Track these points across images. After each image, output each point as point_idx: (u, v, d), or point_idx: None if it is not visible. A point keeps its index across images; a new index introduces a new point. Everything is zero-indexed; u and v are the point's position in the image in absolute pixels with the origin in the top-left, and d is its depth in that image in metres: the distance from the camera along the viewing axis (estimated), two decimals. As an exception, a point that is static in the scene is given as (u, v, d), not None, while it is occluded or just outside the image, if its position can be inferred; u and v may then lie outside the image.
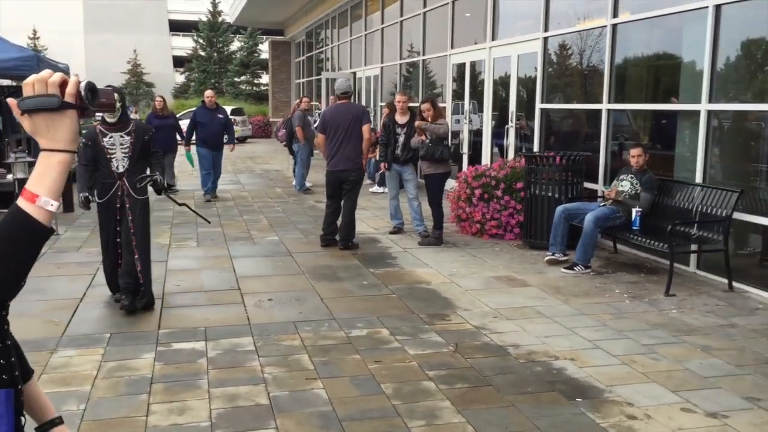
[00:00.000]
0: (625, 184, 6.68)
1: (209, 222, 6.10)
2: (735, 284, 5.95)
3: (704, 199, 6.22)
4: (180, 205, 4.73)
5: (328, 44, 22.40)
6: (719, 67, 6.32)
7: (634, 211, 6.43)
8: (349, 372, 4.15)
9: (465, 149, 11.73)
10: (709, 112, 6.37)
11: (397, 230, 8.51)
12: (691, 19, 6.65)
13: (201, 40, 43.98)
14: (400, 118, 8.25)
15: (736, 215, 5.90)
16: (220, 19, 43.18)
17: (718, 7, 6.20)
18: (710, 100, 6.33)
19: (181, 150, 12.23)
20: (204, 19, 44.09)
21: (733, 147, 6.58)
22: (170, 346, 4.59)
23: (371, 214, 9.74)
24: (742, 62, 6.34)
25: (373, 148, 11.71)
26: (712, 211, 6.06)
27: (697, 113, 6.49)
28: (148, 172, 5.35)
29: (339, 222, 7.73)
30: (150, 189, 5.32)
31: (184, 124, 11.95)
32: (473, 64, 11.54)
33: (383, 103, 14.12)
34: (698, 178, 6.47)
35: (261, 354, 4.45)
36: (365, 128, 7.63)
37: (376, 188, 12.27)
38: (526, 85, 9.82)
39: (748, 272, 6.06)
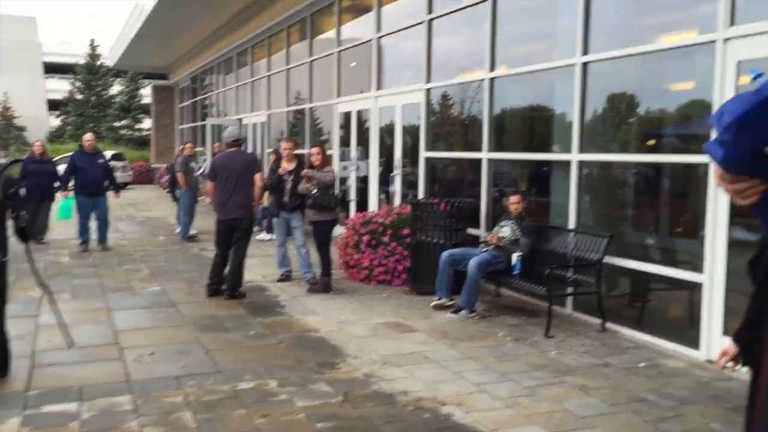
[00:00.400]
0: (506, 230, 6.96)
1: (72, 344, 5.32)
2: (608, 325, 6.28)
3: (578, 243, 6.57)
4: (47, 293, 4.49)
5: (213, 90, 22.17)
6: (588, 119, 6.77)
7: (514, 256, 6.70)
8: (234, 428, 4.02)
9: (352, 196, 11.84)
10: (580, 162, 6.78)
11: (285, 278, 8.42)
12: (562, 75, 7.10)
13: (78, 83, 42.38)
14: (287, 165, 8.24)
15: (607, 259, 6.26)
16: (98, 62, 41.85)
17: (585, 65, 6.67)
18: (580, 151, 6.74)
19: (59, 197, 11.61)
20: (82, 61, 42.59)
21: (602, 194, 7.02)
22: (39, 409, 4.27)
23: (259, 262, 9.60)
24: (608, 114, 6.82)
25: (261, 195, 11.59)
26: (585, 255, 6.40)
27: (568, 163, 6.89)
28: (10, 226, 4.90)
29: (226, 271, 7.55)
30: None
31: (61, 169, 11.38)
32: (360, 113, 11.76)
33: (270, 150, 14.10)
34: (571, 224, 6.84)
35: (140, 413, 4.22)
36: (257, 176, 7.58)
37: (263, 235, 12.12)
38: (412, 133, 10.09)
39: (618, 313, 6.41)
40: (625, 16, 6.60)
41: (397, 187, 10.33)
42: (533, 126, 8.09)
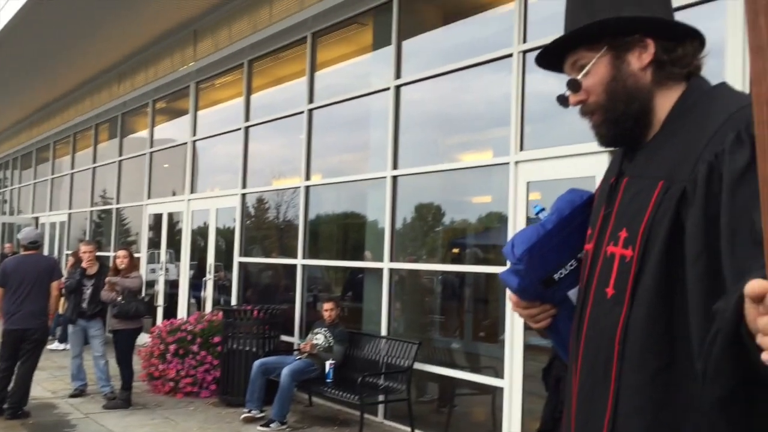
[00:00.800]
0: (320, 337, 6.92)
1: None
2: None
3: (389, 350, 6.69)
4: None
5: (7, 185, 20.51)
6: (399, 228, 7.08)
7: (327, 363, 6.65)
8: None
9: (160, 301, 11.26)
10: (391, 270, 7.01)
11: (79, 392, 7.66)
12: (374, 186, 7.42)
13: None
14: (88, 269, 7.69)
15: (417, 365, 6.41)
16: None
17: (395, 178, 7.03)
18: (391, 259, 6.99)
19: None
20: None
21: (412, 301, 7.27)
22: None
23: (49, 375, 8.68)
24: (417, 224, 7.18)
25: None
26: (396, 362, 6.52)
27: (380, 270, 7.10)
28: None
29: (10, 387, 6.73)
30: None
31: None
32: (171, 215, 11.40)
33: (69, 252, 13.15)
34: (383, 331, 6.97)
35: None
36: (54, 285, 6.99)
37: (56, 345, 11.03)
38: (226, 237, 9.92)
39: (427, 419, 6.52)
40: (432, 134, 7.11)
41: (209, 292, 9.99)
42: (348, 233, 8.30)
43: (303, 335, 7.85)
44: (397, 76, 7.03)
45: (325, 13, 7.73)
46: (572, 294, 1.51)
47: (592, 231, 1.45)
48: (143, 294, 7.88)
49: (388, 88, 7.10)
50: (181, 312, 10.43)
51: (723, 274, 1.09)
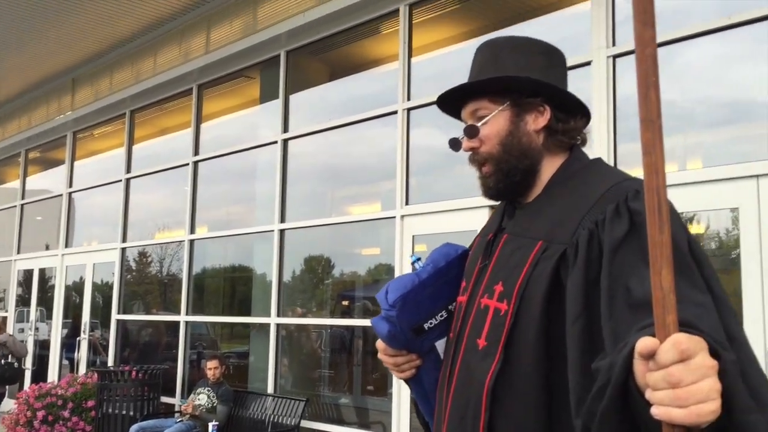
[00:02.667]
0: (203, 397, 6.65)
1: None
2: (306, 491, 6.17)
3: (276, 408, 6.51)
4: None
5: None
6: (287, 281, 6.98)
7: (210, 425, 6.37)
8: None
9: (29, 364, 10.47)
10: (278, 325, 6.89)
11: (-69, 469, 6.96)
12: (262, 238, 7.32)
13: None
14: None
15: (304, 423, 6.26)
16: None
17: (282, 231, 6.97)
18: (278, 314, 6.87)
19: None
20: None
21: (300, 356, 7.14)
22: None
23: None
24: (306, 276, 7.12)
25: None
26: (283, 420, 6.34)
27: (267, 325, 6.96)
28: None
29: None
30: None
31: None
32: (43, 271, 10.74)
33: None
34: (270, 389, 6.79)
35: None
36: None
37: None
38: (104, 293, 9.44)
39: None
40: (320, 187, 7.13)
41: (83, 353, 9.41)
42: (234, 287, 8.10)
43: (185, 395, 7.51)
44: (285, 129, 7.04)
45: (211, 65, 7.67)
46: (440, 345, 1.53)
47: (467, 284, 1.49)
48: (8, 357, 7.30)
49: (275, 141, 7.09)
50: (52, 375, 9.75)
51: (600, 335, 1.14)
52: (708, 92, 4.39)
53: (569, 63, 4.58)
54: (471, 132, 1.45)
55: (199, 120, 8.22)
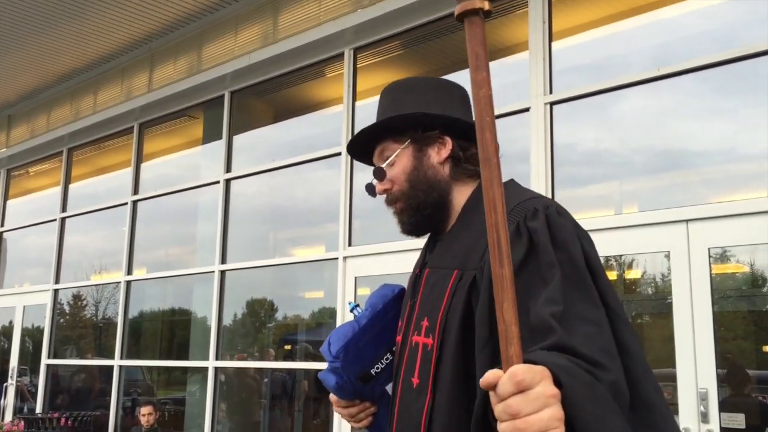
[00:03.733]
0: (136, 445, 6.41)
1: None
2: None
3: (213, 455, 6.31)
4: None
5: None
6: (228, 324, 6.84)
7: (144, 474, 6.13)
8: None
9: (-51, 412, 9.92)
10: (216, 369, 6.72)
11: None
12: (201, 280, 7.18)
13: None
14: None
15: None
16: None
17: (222, 272, 6.85)
18: (217, 357, 6.70)
19: None
20: None
21: (239, 402, 6.97)
22: None
23: None
24: (248, 320, 6.99)
25: None
26: (221, 467, 6.15)
27: (205, 369, 6.78)
28: None
29: None
30: None
31: None
32: (-31, 313, 10.26)
33: None
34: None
35: None
36: None
37: None
38: (34, 338, 9.06)
39: None
40: (263, 229, 7.07)
41: (9, 399, 8.97)
42: (173, 331, 7.89)
43: (118, 443, 7.22)
44: (228, 169, 6.99)
45: (154, 104, 7.59)
46: (390, 388, 1.53)
47: (402, 323, 1.50)
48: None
49: (218, 182, 7.02)
50: (-25, 423, 9.25)
51: None
52: (644, 141, 4.57)
53: (509, 109, 4.72)
54: (379, 174, 1.51)
55: (139, 159, 8.08)
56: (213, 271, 6.89)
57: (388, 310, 1.56)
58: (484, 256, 1.28)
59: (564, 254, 1.20)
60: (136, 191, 8.01)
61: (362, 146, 1.58)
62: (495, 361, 1.17)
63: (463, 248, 1.38)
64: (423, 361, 1.35)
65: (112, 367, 7.74)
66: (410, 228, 1.50)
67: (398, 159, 1.49)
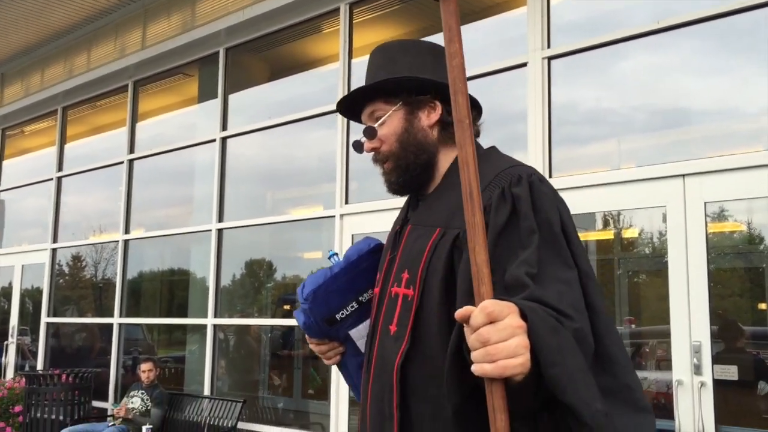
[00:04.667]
0: (136, 401, 6.48)
1: None
2: (243, 495, 6.08)
3: (212, 410, 6.39)
4: None
5: None
6: (227, 285, 6.87)
7: (144, 428, 6.19)
8: None
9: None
10: (215, 326, 6.77)
11: None
12: (198, 239, 7.19)
13: None
14: None
15: (241, 425, 6.17)
16: None
17: (220, 231, 6.86)
18: (216, 314, 6.75)
19: None
20: None
21: (239, 358, 7.04)
22: None
23: None
24: (247, 280, 7.01)
25: None
26: (220, 422, 6.23)
27: (204, 326, 6.83)
28: None
29: None
30: None
31: None
32: (-31, 273, 10.31)
33: None
34: (206, 390, 6.67)
35: None
36: None
37: None
38: (33, 296, 9.11)
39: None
40: (260, 188, 7.04)
41: (10, 357, 9.06)
42: (171, 289, 7.93)
43: (118, 399, 7.31)
44: (224, 128, 6.94)
45: (148, 61, 7.51)
46: (354, 333, 1.65)
47: (380, 275, 1.58)
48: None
49: (214, 140, 6.98)
50: (-23, 381, 9.36)
51: None
52: (644, 99, 4.53)
53: (507, 64, 4.65)
54: (370, 133, 1.55)
55: (134, 117, 8.02)
56: (210, 230, 6.89)
57: (361, 262, 1.65)
58: None
59: (543, 220, 1.29)
60: (132, 150, 7.97)
61: (351, 104, 1.62)
62: None
63: (447, 208, 1.44)
64: (402, 311, 1.42)
65: (111, 325, 7.80)
66: (397, 188, 1.57)
67: (389, 120, 1.54)
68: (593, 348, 1.18)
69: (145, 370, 6.57)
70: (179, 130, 7.84)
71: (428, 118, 1.53)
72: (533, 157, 4.61)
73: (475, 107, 1.58)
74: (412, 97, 1.53)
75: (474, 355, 1.01)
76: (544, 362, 1.02)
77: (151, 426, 6.25)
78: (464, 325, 1.04)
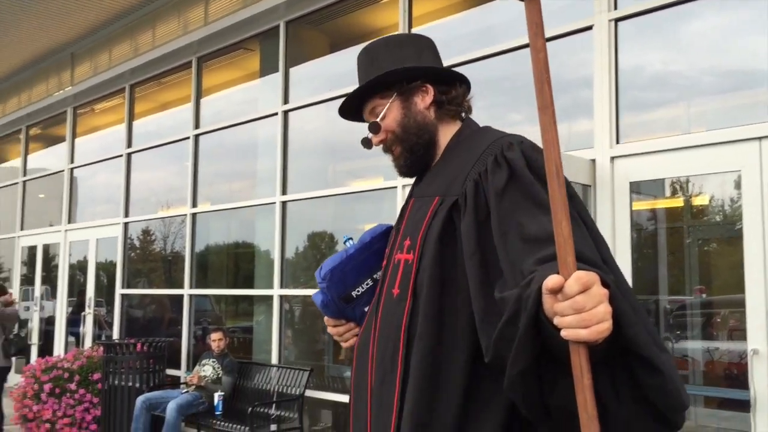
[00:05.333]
0: (207, 369, 6.70)
1: None
2: (312, 460, 6.24)
3: (280, 379, 6.56)
4: None
5: None
6: (290, 257, 6.99)
7: (216, 395, 6.44)
8: None
9: (34, 339, 10.55)
10: (281, 297, 6.91)
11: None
12: (263, 212, 7.32)
13: None
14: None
15: (309, 393, 6.32)
16: None
17: (284, 203, 6.97)
18: (281, 286, 6.89)
19: None
20: None
21: (303, 328, 7.18)
22: None
23: None
24: (309, 252, 7.12)
25: None
26: (288, 390, 6.40)
27: (270, 297, 6.99)
28: None
29: None
30: None
31: None
32: (47, 247, 10.77)
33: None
34: (274, 359, 6.84)
35: None
36: None
37: None
38: (107, 269, 9.48)
39: (322, 446, 6.43)
40: (322, 161, 7.11)
41: (88, 327, 9.47)
42: (237, 261, 8.12)
43: (190, 368, 7.57)
44: (285, 101, 7.01)
45: (210, 37, 7.62)
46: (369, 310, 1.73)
47: (387, 249, 1.69)
48: (13, 332, 7.33)
49: (276, 114, 7.06)
50: (58, 349, 9.83)
51: (495, 266, 1.36)
52: (713, 61, 4.36)
53: (570, 28, 4.55)
54: (374, 128, 1.68)
55: (199, 93, 8.18)
56: (274, 202, 7.01)
57: (374, 243, 1.76)
58: (465, 184, 1.47)
59: (539, 179, 1.37)
60: (197, 125, 8.14)
61: (352, 108, 1.75)
62: (483, 268, 1.38)
63: (445, 180, 1.55)
64: (404, 274, 1.54)
65: (182, 297, 8.06)
66: (406, 170, 1.69)
67: (389, 112, 1.66)
68: None
69: (215, 340, 6.78)
70: (242, 104, 7.96)
71: (423, 101, 1.66)
72: (599, 124, 4.51)
73: (464, 82, 1.70)
74: (404, 86, 1.65)
75: (566, 321, 1.08)
76: (625, 323, 1.11)
77: (222, 393, 6.47)
78: (547, 293, 1.11)
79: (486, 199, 1.42)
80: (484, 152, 1.49)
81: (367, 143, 1.71)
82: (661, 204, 4.72)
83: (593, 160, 4.46)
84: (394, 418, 1.47)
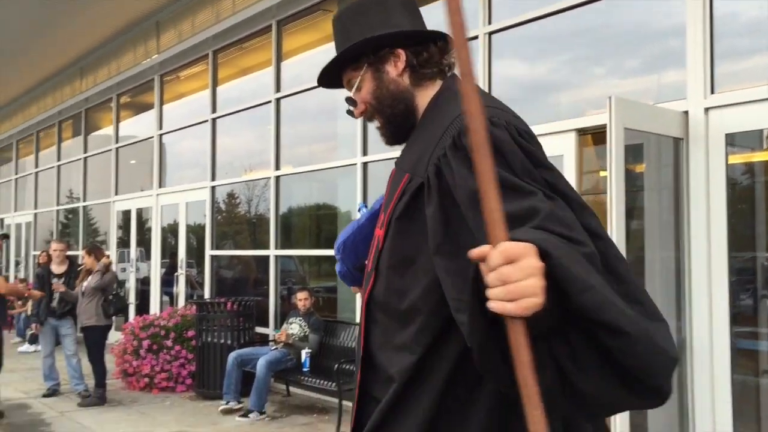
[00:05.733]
0: (294, 327, 6.91)
1: None
2: (397, 415, 6.36)
3: (365, 336, 6.68)
4: None
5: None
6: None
7: (303, 352, 6.64)
8: None
9: (132, 299, 11.13)
10: (364, 257, 7.00)
11: (53, 392, 7.56)
12: (344, 174, 7.40)
13: None
14: (57, 268, 7.57)
15: (393, 350, 6.42)
16: None
17: (365, 164, 7.02)
18: (364, 246, 6.97)
19: None
20: None
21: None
22: None
23: (20, 377, 8.54)
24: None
25: (23, 302, 10.57)
26: (373, 347, 6.52)
27: (354, 258, 7.09)
28: None
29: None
30: None
31: None
32: (140, 211, 11.26)
33: (37, 252, 12.97)
34: (358, 318, 6.95)
35: None
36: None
37: (26, 347, 10.86)
38: (196, 232, 9.84)
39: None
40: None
41: (181, 287, 9.90)
42: (320, 223, 8.27)
43: (278, 326, 7.82)
44: (364, 62, 6.99)
45: (289, 0, 7.66)
46: None
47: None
48: (112, 292, 7.74)
49: (355, 75, 7.06)
50: (154, 308, 10.33)
51: (463, 250, 1.23)
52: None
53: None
54: (351, 102, 1.67)
55: (279, 57, 8.27)
56: (355, 164, 7.07)
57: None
58: (428, 167, 1.41)
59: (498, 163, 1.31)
60: (278, 89, 8.25)
61: (331, 80, 1.72)
62: (454, 257, 1.32)
63: (415, 153, 1.50)
64: (375, 250, 1.55)
65: (268, 257, 8.29)
66: (390, 140, 1.66)
67: (363, 83, 1.62)
68: (602, 270, 1.20)
69: (301, 299, 6.97)
70: (321, 66, 7.97)
71: (395, 67, 1.59)
72: (693, 75, 4.30)
73: (440, 39, 1.62)
74: (372, 57, 1.60)
75: (494, 292, 1.04)
76: (573, 290, 1.05)
77: (309, 350, 6.67)
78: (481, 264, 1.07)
79: (448, 186, 1.36)
80: (446, 131, 1.41)
81: (351, 114, 1.70)
82: (758, 157, 4.49)
83: (686, 112, 4.27)
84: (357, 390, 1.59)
